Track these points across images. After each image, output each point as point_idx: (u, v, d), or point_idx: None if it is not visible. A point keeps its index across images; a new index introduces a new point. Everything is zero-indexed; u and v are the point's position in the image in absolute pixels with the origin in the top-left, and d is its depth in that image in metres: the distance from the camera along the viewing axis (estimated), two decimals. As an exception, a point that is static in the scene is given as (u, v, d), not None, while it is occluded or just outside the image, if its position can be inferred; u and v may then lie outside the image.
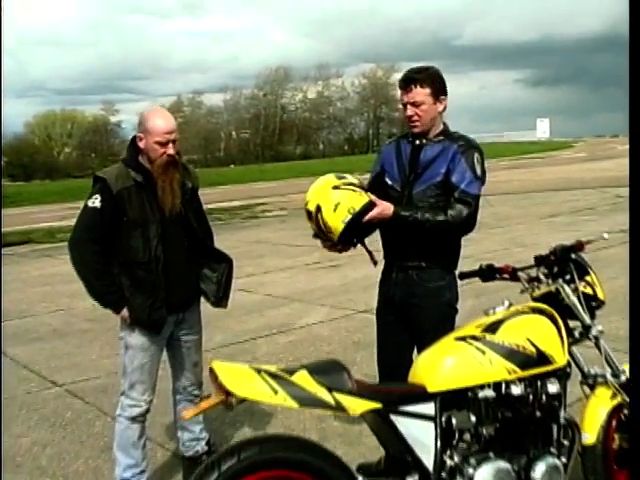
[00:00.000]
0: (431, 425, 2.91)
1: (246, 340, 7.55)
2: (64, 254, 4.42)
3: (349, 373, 2.79)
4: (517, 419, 3.03)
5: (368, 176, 4.02)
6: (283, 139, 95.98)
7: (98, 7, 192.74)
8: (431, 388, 2.93)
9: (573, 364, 3.30)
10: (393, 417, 2.84)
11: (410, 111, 3.69)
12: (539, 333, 3.13)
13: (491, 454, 2.97)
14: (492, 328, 3.10)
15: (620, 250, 9.33)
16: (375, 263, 3.69)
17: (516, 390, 3.01)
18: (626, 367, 3.29)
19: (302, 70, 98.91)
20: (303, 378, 2.71)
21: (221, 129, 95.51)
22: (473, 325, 3.18)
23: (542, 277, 3.49)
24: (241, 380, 2.67)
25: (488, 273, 3.65)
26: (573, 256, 3.44)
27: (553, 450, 3.11)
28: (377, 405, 2.79)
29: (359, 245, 3.64)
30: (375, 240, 3.83)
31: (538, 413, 3.07)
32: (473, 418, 2.97)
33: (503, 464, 2.96)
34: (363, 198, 3.46)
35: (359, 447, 4.47)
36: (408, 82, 3.68)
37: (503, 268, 3.62)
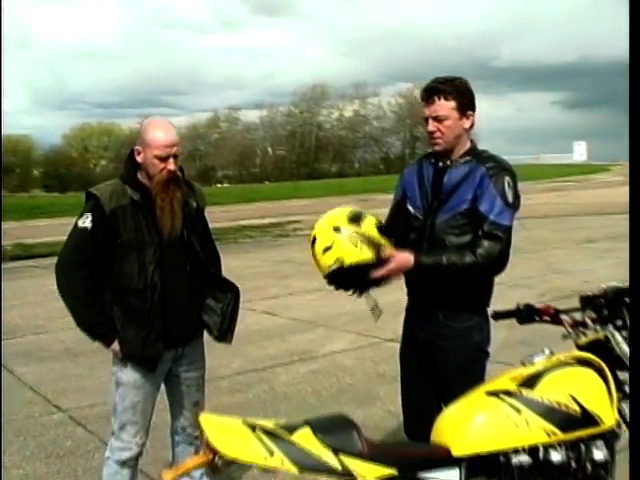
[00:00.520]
0: (455, 495, 2.49)
1: (264, 368, 7.17)
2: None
3: (359, 431, 2.40)
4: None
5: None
6: (319, 157, 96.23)
7: (138, 22, 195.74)
8: (456, 451, 2.52)
9: (623, 424, 2.85)
10: (410, 485, 2.42)
11: (432, 126, 3.28)
12: (585, 389, 2.68)
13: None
14: (530, 382, 2.67)
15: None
16: (377, 317, 3.37)
17: (556, 456, 2.57)
18: None
19: (339, 88, 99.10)
20: (305, 437, 2.33)
21: (257, 145, 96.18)
22: (507, 377, 2.74)
23: (589, 322, 3.02)
24: (232, 438, 2.31)
25: (526, 314, 3.20)
26: (627, 299, 2.97)
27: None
28: (392, 471, 2.39)
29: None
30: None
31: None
32: (505, 488, 2.54)
33: None
34: (360, 254, 3.11)
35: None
36: (431, 93, 3.27)
37: (543, 309, 3.17)
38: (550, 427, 2.57)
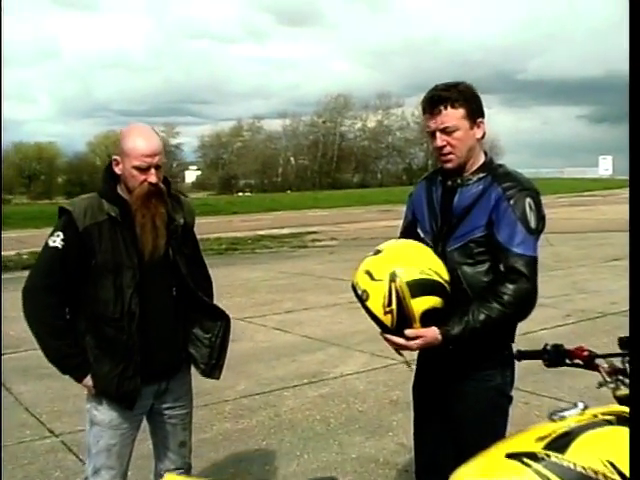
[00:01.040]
0: None
1: (272, 390, 6.77)
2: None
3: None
4: None
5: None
6: (341, 167, 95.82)
7: (164, 31, 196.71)
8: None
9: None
10: None
11: (440, 140, 2.83)
12: (626, 454, 2.21)
13: None
14: (560, 444, 2.19)
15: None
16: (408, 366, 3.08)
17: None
18: None
19: (362, 99, 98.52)
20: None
21: (279, 155, 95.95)
22: (533, 435, 2.26)
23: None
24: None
25: (555, 356, 2.74)
26: None
27: None
28: None
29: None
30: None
31: None
32: None
33: None
34: (382, 311, 2.82)
35: None
36: (435, 103, 2.83)
37: (576, 352, 2.71)
38: None
